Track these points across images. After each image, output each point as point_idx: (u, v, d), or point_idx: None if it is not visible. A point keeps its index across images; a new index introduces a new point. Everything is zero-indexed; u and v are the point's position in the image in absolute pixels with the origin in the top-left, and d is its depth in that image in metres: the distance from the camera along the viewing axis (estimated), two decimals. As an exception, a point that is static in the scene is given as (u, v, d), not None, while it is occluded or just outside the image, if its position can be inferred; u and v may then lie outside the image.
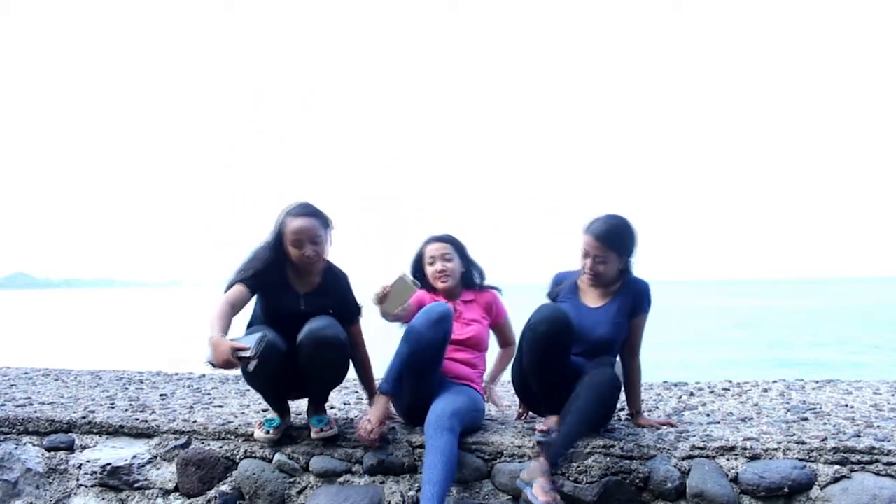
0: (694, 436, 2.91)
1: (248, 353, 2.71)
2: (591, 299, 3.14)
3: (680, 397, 3.79)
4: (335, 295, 3.18)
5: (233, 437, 3.28)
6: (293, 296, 3.12)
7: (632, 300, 3.08)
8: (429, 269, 3.38)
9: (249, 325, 3.16)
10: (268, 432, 3.15)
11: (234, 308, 2.95)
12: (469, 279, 3.48)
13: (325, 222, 3.10)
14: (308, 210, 3.07)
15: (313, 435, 3.10)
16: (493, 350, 3.55)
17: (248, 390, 4.33)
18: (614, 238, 3.01)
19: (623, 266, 3.11)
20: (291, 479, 3.15)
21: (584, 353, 3.04)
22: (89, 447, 3.45)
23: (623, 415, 3.28)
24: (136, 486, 3.33)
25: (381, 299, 3.04)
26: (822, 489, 2.62)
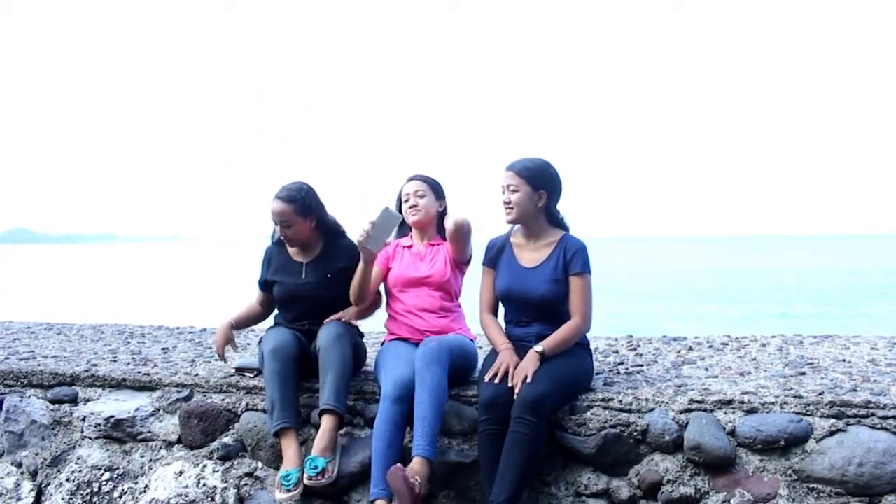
0: (692, 389, 2.93)
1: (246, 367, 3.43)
2: (527, 259, 3.12)
3: (679, 352, 3.81)
4: (337, 259, 3.39)
5: (234, 390, 3.31)
6: (296, 265, 3.43)
7: (564, 257, 3.05)
8: (404, 207, 3.40)
9: (280, 307, 3.50)
10: (288, 490, 2.90)
11: (260, 304, 3.56)
12: (442, 224, 3.44)
13: (296, 205, 3.30)
14: (283, 195, 3.32)
15: (305, 481, 2.88)
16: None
17: (250, 344, 4.36)
18: (526, 170, 3.06)
19: (541, 202, 3.08)
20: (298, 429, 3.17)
21: (531, 315, 3.07)
22: (93, 400, 3.48)
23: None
24: (139, 437, 3.38)
25: (368, 236, 3.08)
26: (817, 442, 2.65)
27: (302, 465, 2.92)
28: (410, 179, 3.42)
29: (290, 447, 2.99)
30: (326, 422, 2.97)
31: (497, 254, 3.21)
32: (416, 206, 3.35)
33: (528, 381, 2.76)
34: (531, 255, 3.12)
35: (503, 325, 3.19)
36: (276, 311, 3.54)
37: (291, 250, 3.47)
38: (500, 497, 2.65)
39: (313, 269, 3.39)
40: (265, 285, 3.49)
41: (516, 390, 2.77)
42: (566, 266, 3.04)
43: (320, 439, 2.94)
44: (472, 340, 3.32)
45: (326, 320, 3.26)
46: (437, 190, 3.42)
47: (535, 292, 3.04)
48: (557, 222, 3.17)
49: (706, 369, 3.33)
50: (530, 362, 2.85)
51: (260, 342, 3.38)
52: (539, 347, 2.90)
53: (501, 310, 3.24)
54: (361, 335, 3.51)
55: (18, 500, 3.44)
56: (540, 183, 3.07)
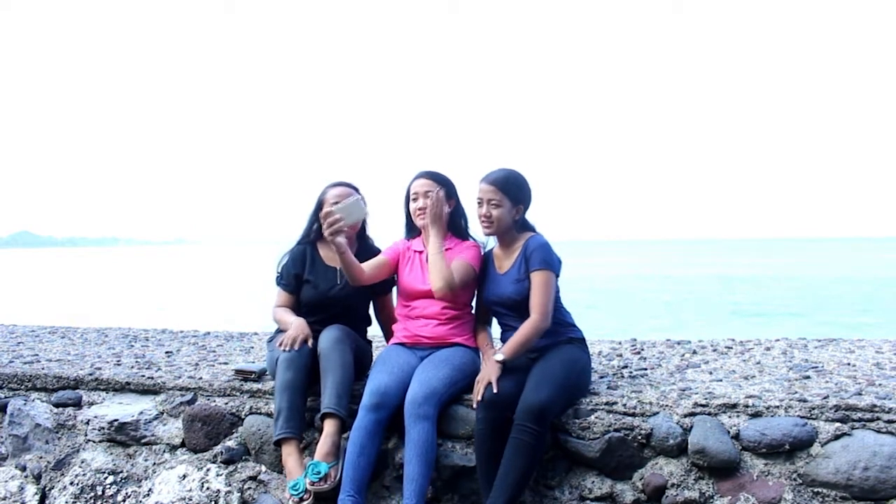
0: (696, 393, 2.92)
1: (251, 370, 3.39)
2: (502, 266, 3.18)
3: (683, 355, 3.80)
4: None
5: (238, 394, 3.31)
6: (330, 272, 3.39)
7: (525, 256, 3.08)
8: (411, 206, 3.30)
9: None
10: (301, 499, 2.90)
11: (289, 308, 3.44)
12: (455, 224, 3.36)
13: (360, 195, 3.40)
14: (345, 183, 3.46)
15: (308, 486, 2.90)
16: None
17: (253, 347, 4.37)
18: (506, 183, 3.09)
19: (518, 216, 3.14)
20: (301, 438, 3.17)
21: (513, 318, 3.10)
22: (97, 403, 3.48)
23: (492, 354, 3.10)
24: (143, 441, 3.38)
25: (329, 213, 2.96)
26: (822, 446, 2.64)
27: (305, 471, 2.93)
28: (419, 177, 3.29)
29: (290, 456, 2.99)
30: (328, 426, 2.97)
31: (483, 266, 3.27)
32: (423, 208, 3.23)
33: (495, 390, 2.81)
34: (505, 262, 3.19)
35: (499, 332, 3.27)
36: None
37: (325, 254, 3.44)
38: (499, 501, 2.66)
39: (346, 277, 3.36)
40: (296, 284, 3.42)
41: (475, 399, 2.85)
42: (527, 264, 3.07)
43: (322, 444, 2.94)
44: (471, 349, 3.23)
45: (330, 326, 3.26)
46: (446, 189, 3.28)
47: (504, 295, 3.11)
48: (527, 228, 3.22)
49: (710, 373, 3.32)
50: (492, 371, 2.89)
51: (270, 340, 3.38)
52: (499, 357, 2.94)
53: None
54: (369, 342, 3.52)
55: (22, 503, 3.44)
56: (519, 197, 3.13)
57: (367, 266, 3.24)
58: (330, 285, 3.35)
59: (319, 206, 3.41)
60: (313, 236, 3.47)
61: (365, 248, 3.49)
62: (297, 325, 3.23)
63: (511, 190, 3.09)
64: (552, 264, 3.05)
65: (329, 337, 3.16)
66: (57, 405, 3.53)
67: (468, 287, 3.24)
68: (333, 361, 3.06)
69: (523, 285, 3.06)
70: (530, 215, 3.24)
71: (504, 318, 3.19)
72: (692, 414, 2.78)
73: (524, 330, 2.98)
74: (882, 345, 3.94)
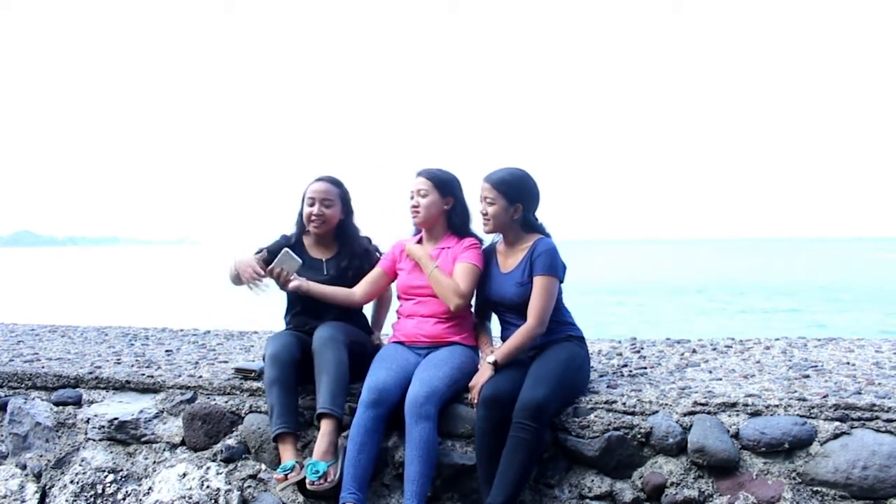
0: (696, 392, 2.93)
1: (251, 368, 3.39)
2: (505, 265, 3.18)
3: (682, 354, 3.81)
4: (354, 256, 3.46)
5: (238, 392, 3.31)
6: (317, 263, 3.45)
7: (531, 259, 3.08)
8: (409, 203, 3.33)
9: (287, 310, 3.52)
10: (285, 476, 2.92)
11: None
12: (453, 223, 3.34)
13: (341, 190, 3.47)
14: (326, 177, 3.46)
15: (308, 486, 2.88)
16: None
17: (253, 346, 4.37)
18: (504, 183, 3.10)
19: (517, 215, 3.12)
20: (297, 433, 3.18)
21: (513, 318, 3.11)
22: (97, 402, 3.49)
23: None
24: (143, 439, 3.38)
25: (271, 273, 3.16)
26: (821, 445, 2.64)
27: (303, 468, 2.93)
28: (416, 175, 3.30)
29: (287, 451, 3.00)
30: (325, 426, 2.97)
31: (486, 262, 3.26)
32: (415, 206, 3.26)
33: (476, 400, 2.88)
34: (508, 261, 3.18)
35: (499, 328, 3.27)
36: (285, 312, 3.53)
37: (311, 246, 3.48)
38: (498, 499, 2.67)
39: (334, 266, 3.43)
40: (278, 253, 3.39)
41: (475, 402, 2.89)
42: (532, 268, 3.07)
43: (320, 443, 2.94)
44: (470, 347, 3.24)
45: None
46: (442, 186, 3.28)
47: (505, 296, 3.12)
48: (535, 228, 3.20)
49: (710, 372, 3.33)
50: (483, 375, 2.94)
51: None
52: (491, 358, 2.96)
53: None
54: (370, 332, 3.52)
55: (23, 502, 3.45)
56: (516, 196, 3.11)
57: (361, 285, 3.35)
58: (317, 277, 3.36)
59: (304, 199, 3.45)
60: (298, 230, 3.50)
61: (353, 247, 3.49)
62: (240, 261, 3.21)
63: (506, 188, 3.09)
64: (556, 270, 3.04)
65: (321, 336, 3.15)
66: (57, 404, 3.53)
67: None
68: (327, 360, 3.06)
69: (526, 288, 3.05)
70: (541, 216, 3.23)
71: (505, 315, 3.20)
72: (692, 413, 2.79)
73: (519, 335, 2.99)
74: (882, 344, 3.94)
